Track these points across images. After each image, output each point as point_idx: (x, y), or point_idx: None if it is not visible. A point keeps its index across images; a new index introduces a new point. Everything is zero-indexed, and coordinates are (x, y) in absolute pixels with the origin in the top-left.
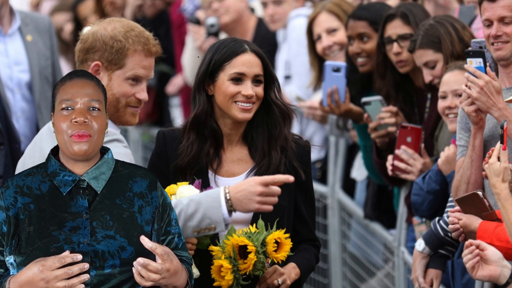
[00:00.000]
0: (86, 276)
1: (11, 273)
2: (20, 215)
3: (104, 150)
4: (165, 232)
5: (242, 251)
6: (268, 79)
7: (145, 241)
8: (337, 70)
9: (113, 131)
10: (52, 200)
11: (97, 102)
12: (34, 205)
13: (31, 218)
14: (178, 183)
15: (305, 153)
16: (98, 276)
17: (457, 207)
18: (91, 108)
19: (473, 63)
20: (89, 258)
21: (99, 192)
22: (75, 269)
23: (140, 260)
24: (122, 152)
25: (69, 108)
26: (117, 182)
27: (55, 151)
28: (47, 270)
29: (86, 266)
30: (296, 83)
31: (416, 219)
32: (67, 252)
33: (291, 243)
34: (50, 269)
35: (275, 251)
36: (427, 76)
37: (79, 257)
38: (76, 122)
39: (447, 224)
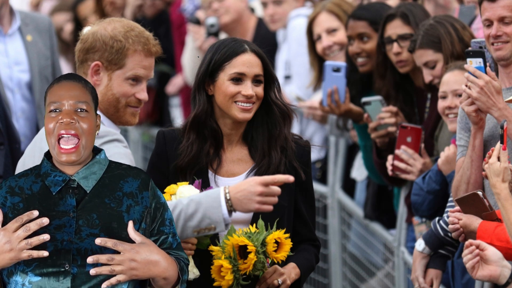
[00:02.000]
0: (46, 236)
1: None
2: (9, 214)
3: (97, 151)
4: (158, 232)
5: (242, 251)
6: (268, 79)
7: (129, 229)
8: (337, 70)
9: (113, 131)
10: (41, 200)
11: (84, 104)
12: (23, 204)
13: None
14: (178, 183)
15: (305, 153)
16: (79, 274)
17: (457, 207)
18: (79, 110)
19: (473, 63)
20: (71, 256)
21: (88, 192)
22: (32, 225)
23: (89, 258)
24: (122, 152)
25: (57, 110)
26: (108, 182)
27: (50, 152)
28: (9, 233)
29: (45, 220)
30: (296, 83)
31: (416, 219)
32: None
33: (291, 243)
34: (11, 231)
35: (275, 251)
36: (427, 76)
37: (35, 213)
38: (62, 122)
39: (447, 224)
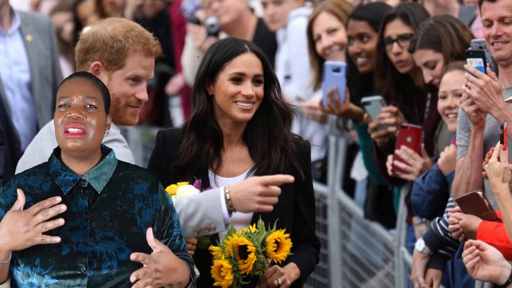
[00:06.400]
0: (61, 221)
1: (13, 272)
2: None
3: (106, 151)
4: (167, 234)
5: (242, 251)
6: (268, 79)
7: (149, 237)
8: (337, 70)
9: (113, 131)
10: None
11: (93, 100)
12: (34, 204)
13: None
14: (178, 183)
15: (305, 153)
16: (95, 277)
17: (457, 207)
18: (88, 106)
19: (473, 63)
20: (87, 259)
21: (99, 193)
22: (51, 211)
23: (132, 277)
24: (122, 152)
25: (66, 105)
26: (118, 183)
27: (58, 151)
28: (29, 215)
29: (63, 207)
30: (296, 83)
31: (416, 219)
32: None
33: (291, 243)
34: (31, 213)
35: (275, 251)
36: (427, 76)
37: (58, 199)
38: (70, 117)
39: (447, 224)
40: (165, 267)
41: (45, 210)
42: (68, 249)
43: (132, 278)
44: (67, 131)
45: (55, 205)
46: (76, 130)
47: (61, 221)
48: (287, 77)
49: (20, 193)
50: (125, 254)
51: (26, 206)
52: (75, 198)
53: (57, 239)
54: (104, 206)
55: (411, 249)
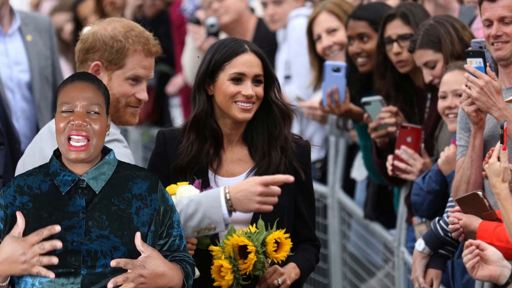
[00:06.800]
0: (54, 260)
1: None
2: None
3: (106, 151)
4: (167, 234)
5: (242, 251)
6: (268, 79)
7: (137, 241)
8: (337, 70)
9: (113, 131)
10: (50, 199)
11: (97, 106)
12: (32, 203)
13: (28, 216)
14: (178, 183)
15: (305, 153)
16: (89, 276)
17: (457, 207)
18: (91, 112)
19: (473, 63)
20: (81, 257)
21: (97, 192)
22: (47, 245)
23: (109, 285)
24: (122, 152)
25: (69, 111)
26: (117, 183)
27: (58, 151)
28: (27, 245)
29: (59, 244)
30: (296, 83)
31: (416, 219)
32: (49, 228)
33: (291, 243)
34: (30, 243)
35: (275, 251)
36: (427, 76)
37: (58, 228)
38: (73, 124)
39: (447, 224)
40: (150, 273)
41: (41, 243)
42: (63, 248)
43: (109, 285)
44: (70, 139)
45: (52, 239)
46: (80, 137)
47: (54, 260)
48: (287, 77)
49: (19, 217)
50: (119, 253)
51: (24, 206)
52: (73, 197)
53: (51, 275)
54: (101, 205)
55: (411, 249)
